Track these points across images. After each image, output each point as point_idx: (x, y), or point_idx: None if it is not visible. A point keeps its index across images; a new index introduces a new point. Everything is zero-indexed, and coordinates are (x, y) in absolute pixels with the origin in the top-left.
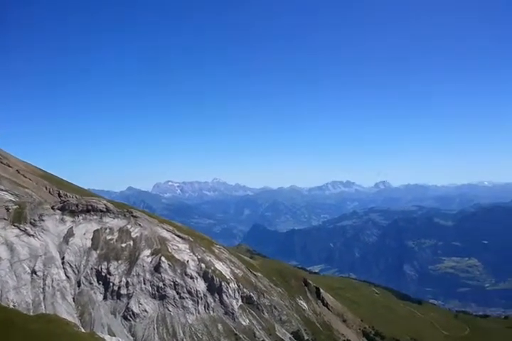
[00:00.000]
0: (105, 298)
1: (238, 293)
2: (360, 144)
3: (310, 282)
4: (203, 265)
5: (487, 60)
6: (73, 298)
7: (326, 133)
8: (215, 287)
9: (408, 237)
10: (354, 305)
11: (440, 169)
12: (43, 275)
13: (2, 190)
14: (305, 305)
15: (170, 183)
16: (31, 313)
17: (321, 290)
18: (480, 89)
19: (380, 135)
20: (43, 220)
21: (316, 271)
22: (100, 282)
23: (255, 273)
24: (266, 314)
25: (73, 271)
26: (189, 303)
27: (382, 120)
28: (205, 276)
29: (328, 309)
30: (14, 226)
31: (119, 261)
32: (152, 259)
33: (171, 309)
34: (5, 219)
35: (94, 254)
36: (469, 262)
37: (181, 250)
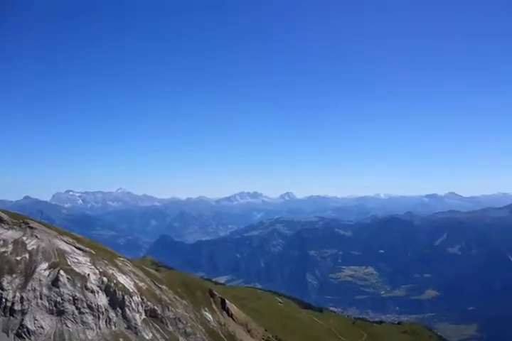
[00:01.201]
0: None
1: (142, 306)
2: (267, 156)
3: (216, 293)
4: (104, 278)
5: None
6: None
7: (233, 145)
8: (117, 301)
9: (311, 247)
10: (258, 315)
11: (340, 181)
12: None
13: None
14: (210, 316)
15: (71, 193)
16: None
17: (227, 301)
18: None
19: (285, 147)
20: None
21: (223, 281)
22: None
23: (160, 285)
24: (170, 327)
25: None
26: (89, 318)
27: (285, 133)
28: (106, 290)
29: (233, 319)
30: None
31: (14, 275)
32: (50, 273)
33: (69, 325)
34: None
35: None
36: (367, 271)
37: (82, 263)
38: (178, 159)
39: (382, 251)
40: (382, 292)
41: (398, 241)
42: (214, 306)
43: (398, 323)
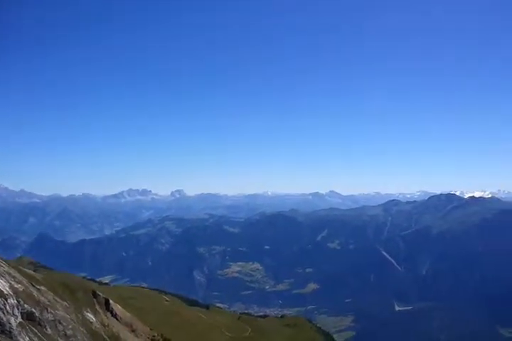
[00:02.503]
0: None
1: (18, 309)
2: (158, 153)
3: (99, 293)
4: None
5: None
6: None
7: (120, 140)
8: None
9: (199, 244)
10: (144, 314)
11: (231, 179)
12: None
13: None
14: (93, 317)
15: None
16: None
17: (111, 301)
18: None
19: (176, 145)
20: None
21: (107, 281)
22: None
23: (38, 287)
24: (49, 330)
25: None
26: None
27: (176, 130)
28: None
29: (117, 320)
30: None
31: None
32: None
33: None
34: None
35: None
36: (253, 266)
37: None
38: (60, 153)
39: (268, 247)
40: (267, 287)
41: (283, 237)
42: (97, 307)
43: (281, 316)
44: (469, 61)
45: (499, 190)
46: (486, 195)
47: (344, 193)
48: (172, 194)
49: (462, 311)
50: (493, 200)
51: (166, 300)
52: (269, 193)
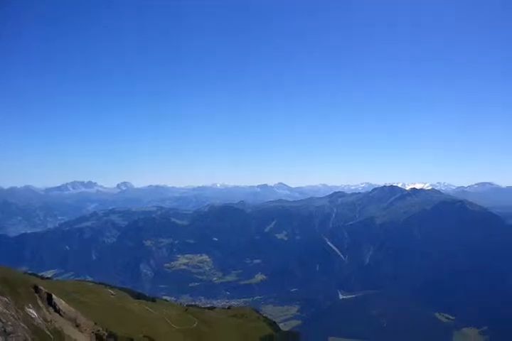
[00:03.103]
0: None
1: None
2: (104, 145)
3: (41, 288)
4: None
5: None
6: None
7: (63, 132)
8: None
9: (146, 237)
10: (89, 309)
11: (179, 172)
12: None
13: None
14: (35, 313)
15: None
16: None
17: (53, 296)
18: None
19: (123, 136)
20: None
21: (50, 275)
22: None
23: None
24: None
25: None
26: None
27: (122, 123)
28: None
29: (60, 315)
30: None
31: None
32: None
33: None
34: None
35: None
36: (201, 258)
37: None
38: None
39: (216, 239)
40: (215, 278)
41: (231, 228)
42: (39, 302)
43: (228, 307)
44: None
45: (439, 183)
46: (427, 186)
47: (292, 185)
48: (118, 186)
49: (403, 298)
50: (432, 192)
51: (112, 294)
52: (218, 185)
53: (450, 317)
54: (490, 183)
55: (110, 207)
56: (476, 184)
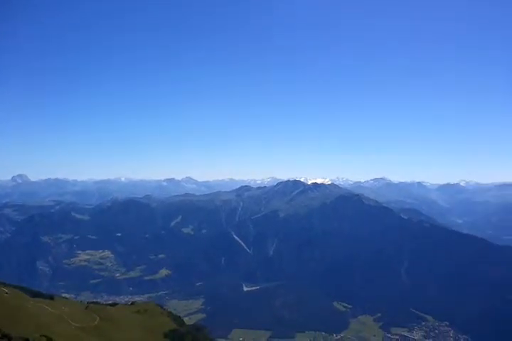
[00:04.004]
0: None
1: None
2: None
3: None
4: None
5: None
6: None
7: None
8: None
9: (44, 233)
10: None
11: (81, 165)
12: None
13: None
14: None
15: None
16: None
17: None
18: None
19: (20, 127)
20: None
21: None
22: None
23: None
24: None
25: None
26: None
27: (15, 112)
28: None
29: None
30: None
31: None
32: None
33: None
34: None
35: None
36: (103, 254)
37: None
38: None
39: (120, 234)
40: (118, 274)
41: (136, 223)
42: None
43: (132, 303)
44: None
45: (337, 178)
46: (327, 181)
47: (200, 179)
48: (13, 179)
49: (304, 288)
50: (332, 186)
51: (6, 293)
52: (123, 179)
53: (347, 305)
54: (383, 179)
55: (4, 201)
56: (371, 179)
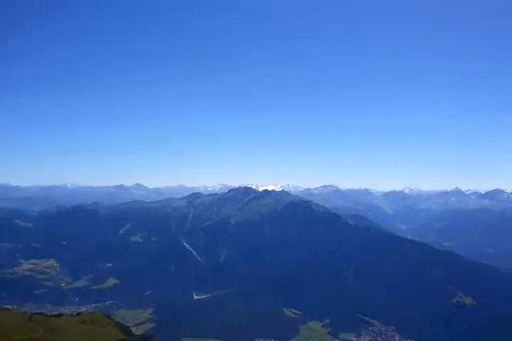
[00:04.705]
0: None
1: None
2: None
3: None
4: None
5: None
6: None
7: None
8: None
9: None
10: None
11: (24, 169)
12: None
13: None
14: None
15: None
16: None
17: None
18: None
19: None
20: None
21: None
22: None
23: None
24: None
25: None
26: None
27: None
28: None
29: None
30: None
31: None
32: None
33: None
34: None
35: None
36: (47, 263)
37: None
38: None
39: (66, 243)
40: (63, 284)
41: (83, 231)
42: None
43: (77, 314)
44: None
45: (288, 184)
46: (278, 188)
47: (150, 186)
48: None
49: (254, 295)
50: (282, 193)
51: None
52: (69, 185)
53: (297, 312)
54: (332, 186)
55: None
56: (321, 186)
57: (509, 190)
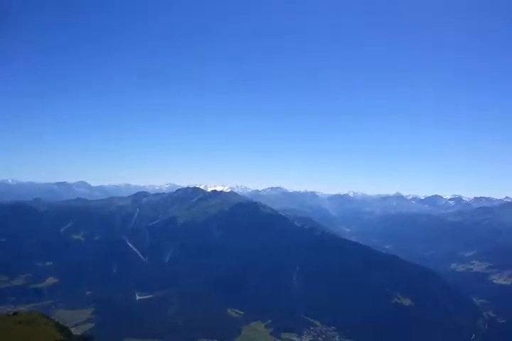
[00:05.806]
0: None
1: None
2: None
3: None
4: None
5: None
6: None
7: None
8: None
9: None
10: None
11: None
12: None
13: None
14: None
15: None
16: None
17: None
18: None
19: None
20: None
21: None
22: None
23: None
24: None
25: None
26: None
27: None
28: None
29: None
30: None
31: None
32: None
33: None
34: None
35: None
36: None
37: None
38: None
39: (4, 240)
40: None
41: (22, 228)
42: None
43: (14, 314)
44: None
45: (236, 186)
46: (226, 189)
47: (94, 184)
48: None
49: (199, 296)
50: (231, 194)
51: None
52: (9, 181)
53: (240, 312)
54: (280, 188)
55: None
56: (268, 188)
57: (447, 197)
